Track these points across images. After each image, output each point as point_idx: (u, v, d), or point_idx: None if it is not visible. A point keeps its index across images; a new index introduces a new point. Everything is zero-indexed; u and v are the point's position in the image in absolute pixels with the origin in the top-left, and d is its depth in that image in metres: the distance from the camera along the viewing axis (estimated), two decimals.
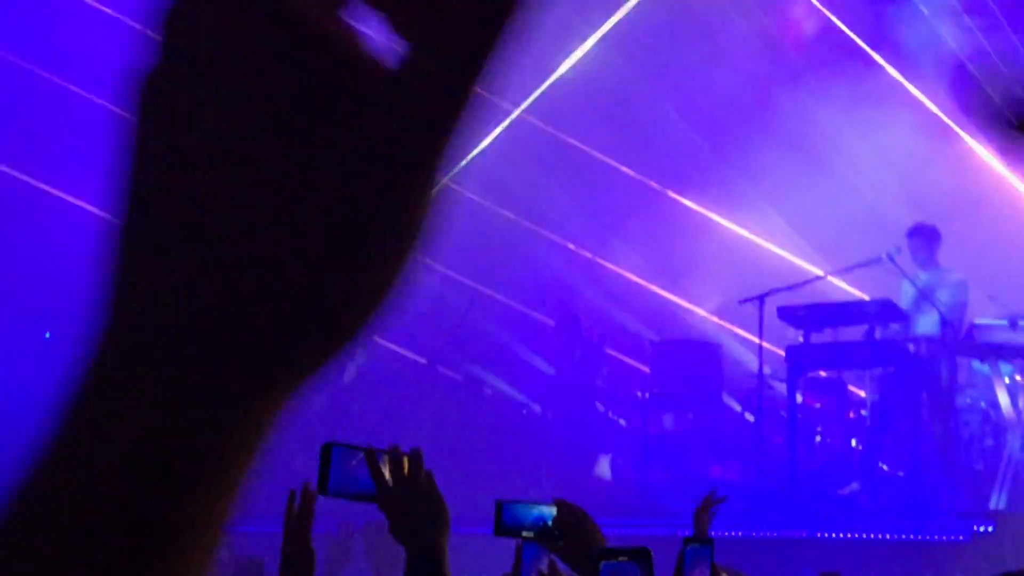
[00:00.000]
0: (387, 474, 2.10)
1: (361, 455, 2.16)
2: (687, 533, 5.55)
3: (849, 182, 9.73)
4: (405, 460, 2.12)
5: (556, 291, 10.57)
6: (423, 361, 9.86)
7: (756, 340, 8.29)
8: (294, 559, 2.20)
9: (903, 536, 7.60)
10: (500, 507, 2.57)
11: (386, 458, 2.13)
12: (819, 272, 9.02)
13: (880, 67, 10.49)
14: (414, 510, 2.10)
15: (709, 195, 10.71)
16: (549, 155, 10.60)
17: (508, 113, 10.44)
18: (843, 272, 8.75)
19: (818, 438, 8.84)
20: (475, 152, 9.33)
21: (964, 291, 8.24)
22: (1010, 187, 10.40)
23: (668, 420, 9.17)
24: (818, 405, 8.81)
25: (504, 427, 9.11)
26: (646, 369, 9.66)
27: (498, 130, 10.03)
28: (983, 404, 8.44)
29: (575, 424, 8.84)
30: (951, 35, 9.92)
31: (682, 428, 9.06)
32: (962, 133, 10.11)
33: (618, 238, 10.74)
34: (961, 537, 7.35)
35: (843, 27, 10.81)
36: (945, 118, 10.13)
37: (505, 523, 2.56)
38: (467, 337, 9.79)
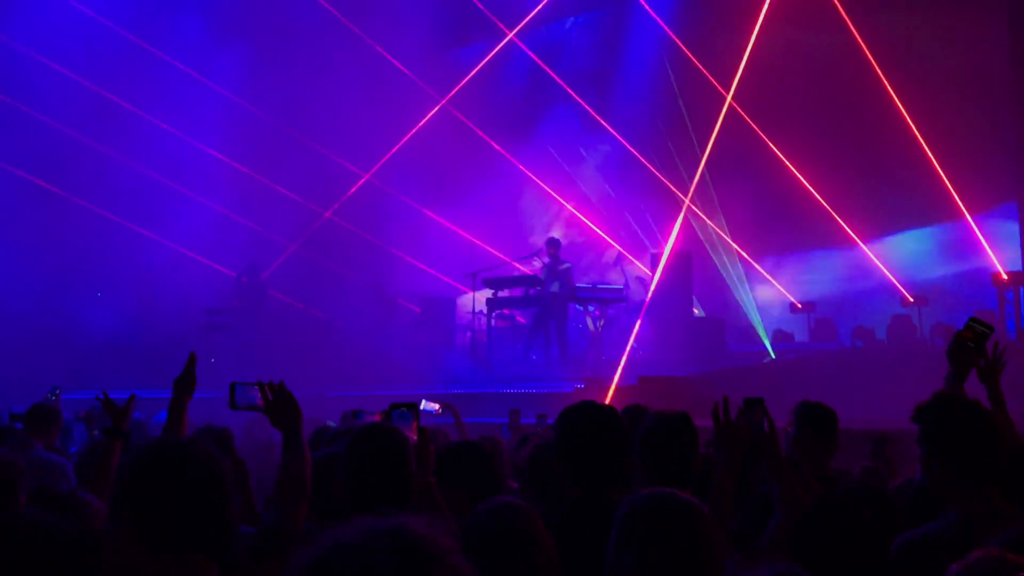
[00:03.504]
0: (268, 394, 3.11)
1: (252, 387, 3.12)
2: (430, 391, 11.41)
3: (518, 209, 16.33)
4: (276, 385, 3.12)
5: (372, 269, 16.47)
6: (301, 306, 15.53)
7: (471, 294, 14.10)
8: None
9: (543, 390, 11.80)
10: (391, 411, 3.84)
11: (267, 386, 3.11)
12: (506, 259, 15.17)
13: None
14: (284, 411, 3.09)
15: (449, 213, 17.11)
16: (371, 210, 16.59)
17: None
18: (515, 260, 14.68)
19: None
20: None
21: (571, 271, 13.72)
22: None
23: (424, 336, 15.04)
24: (503, 327, 14.85)
25: (342, 342, 14.49)
26: (417, 309, 15.99)
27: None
28: (580, 325, 14.43)
29: (381, 340, 14.68)
30: None
31: (433, 340, 14.95)
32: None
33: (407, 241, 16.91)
34: (570, 390, 11.53)
35: None
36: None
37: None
38: (326, 294, 15.72)
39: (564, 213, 16.91)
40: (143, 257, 15.76)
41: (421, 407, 6.62)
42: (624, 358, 12.99)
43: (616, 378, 12.20)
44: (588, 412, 3.21)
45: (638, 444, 3.47)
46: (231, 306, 15.26)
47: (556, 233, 14.62)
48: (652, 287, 13.88)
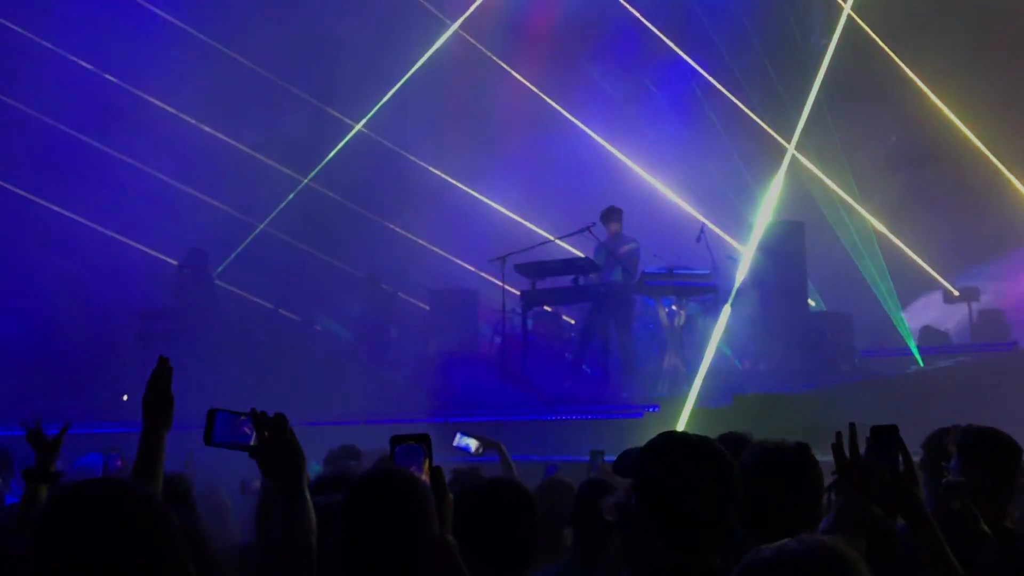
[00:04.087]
0: (263, 430, 3.09)
1: (241, 417, 3.13)
2: (454, 421, 11.51)
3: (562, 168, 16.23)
4: (273, 419, 3.07)
5: (365, 253, 16.57)
6: (270, 306, 15.56)
7: (501, 285, 13.99)
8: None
9: (600, 416, 12.11)
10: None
11: (261, 417, 3.10)
12: (548, 237, 14.98)
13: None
14: (282, 454, 3.07)
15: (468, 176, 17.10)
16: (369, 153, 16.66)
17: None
18: (560, 237, 14.45)
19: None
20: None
21: (637, 251, 13.72)
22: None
23: (436, 343, 15.14)
24: (543, 330, 14.74)
25: (326, 351, 14.66)
26: (427, 306, 16.03)
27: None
28: (651, 325, 14.28)
29: (376, 348, 14.84)
30: None
31: (448, 348, 14.85)
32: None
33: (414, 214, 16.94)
34: (638, 415, 11.89)
35: None
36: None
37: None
38: (303, 288, 15.60)
39: (626, 171, 16.83)
40: (54, 242, 15.70)
41: (455, 443, 6.78)
42: (705, 367, 13.05)
43: (692, 396, 12.29)
44: (677, 448, 3.22)
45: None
46: (172, 308, 15.30)
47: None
48: (747, 270, 13.93)
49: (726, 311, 13.76)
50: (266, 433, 3.11)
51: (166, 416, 3.59)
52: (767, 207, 14.85)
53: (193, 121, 16.75)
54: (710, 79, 16.89)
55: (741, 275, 14.15)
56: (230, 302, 15.92)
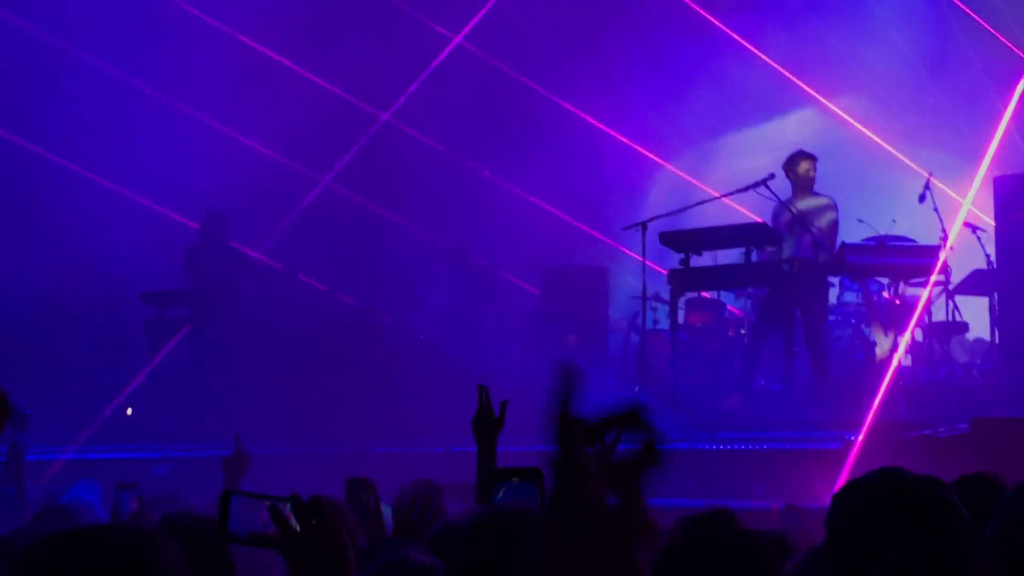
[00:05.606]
0: (291, 520, 3.02)
1: (262, 501, 3.10)
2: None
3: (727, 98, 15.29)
4: (309, 505, 3.02)
5: (452, 216, 15.76)
6: (324, 288, 14.76)
7: (641, 261, 13.11)
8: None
9: (781, 446, 11.50)
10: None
11: (292, 503, 3.03)
12: (709, 193, 14.05)
13: None
14: (318, 558, 3.00)
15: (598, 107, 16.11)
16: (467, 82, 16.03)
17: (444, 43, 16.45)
18: (726, 196, 13.52)
19: None
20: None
21: (836, 220, 12.92)
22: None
23: (550, 340, 14.23)
24: (699, 324, 13.90)
25: (400, 352, 13.96)
26: (536, 291, 15.21)
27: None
28: (853, 320, 13.66)
29: (467, 347, 13.80)
30: None
31: (565, 348, 13.93)
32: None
33: (519, 162, 16.19)
34: (835, 446, 11.14)
35: None
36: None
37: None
38: (365, 264, 14.70)
39: (817, 102, 15.99)
40: (32, 195, 15.68)
41: None
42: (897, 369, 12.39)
43: (906, 418, 11.63)
44: (889, 495, 3.13)
45: (991, 548, 3.42)
46: (185, 290, 14.98)
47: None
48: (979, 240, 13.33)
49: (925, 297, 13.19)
50: (296, 524, 3.02)
51: None
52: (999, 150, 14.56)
53: (243, 38, 16.29)
54: None
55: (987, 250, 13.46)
56: (270, 280, 15.34)
